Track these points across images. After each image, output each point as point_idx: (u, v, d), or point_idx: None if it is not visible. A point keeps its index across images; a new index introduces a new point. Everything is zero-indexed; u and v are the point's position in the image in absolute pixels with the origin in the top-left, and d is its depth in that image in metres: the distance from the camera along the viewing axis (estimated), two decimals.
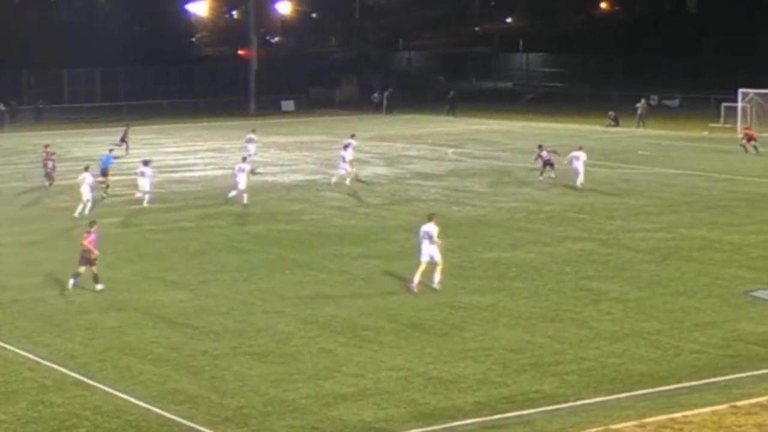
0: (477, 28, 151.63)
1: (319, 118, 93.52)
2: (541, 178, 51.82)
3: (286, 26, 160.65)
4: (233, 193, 45.62)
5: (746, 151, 62.30)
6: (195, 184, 52.48)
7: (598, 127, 79.87)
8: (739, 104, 75.18)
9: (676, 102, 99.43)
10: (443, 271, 30.57)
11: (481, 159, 62.03)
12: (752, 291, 30.45)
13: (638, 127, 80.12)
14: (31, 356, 24.89)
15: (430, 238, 30.30)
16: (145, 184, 46.06)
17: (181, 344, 25.76)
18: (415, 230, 36.47)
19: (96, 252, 30.64)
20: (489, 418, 20.93)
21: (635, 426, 20.19)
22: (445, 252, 30.82)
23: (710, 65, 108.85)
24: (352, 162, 52.05)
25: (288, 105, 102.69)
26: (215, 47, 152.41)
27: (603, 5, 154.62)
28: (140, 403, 21.79)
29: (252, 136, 60.09)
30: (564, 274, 32.76)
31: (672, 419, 20.46)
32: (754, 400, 21.51)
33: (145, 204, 45.47)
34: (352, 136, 57.20)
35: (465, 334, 26.44)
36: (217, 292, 30.84)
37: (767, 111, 73.74)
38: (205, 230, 40.43)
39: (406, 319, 27.74)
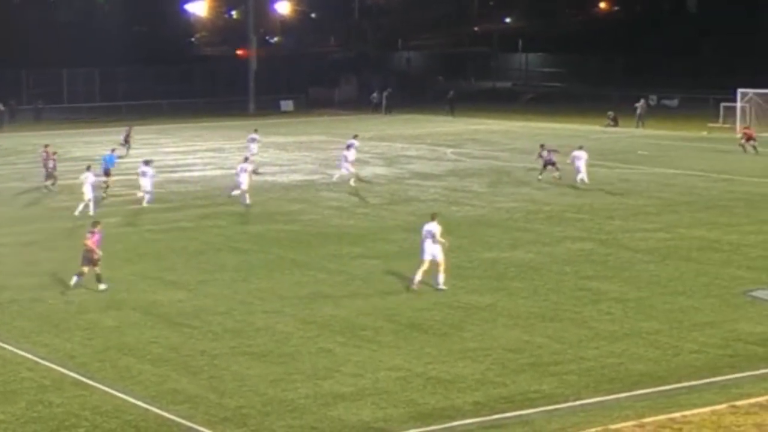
0: (476, 28, 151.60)
1: (318, 118, 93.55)
2: (540, 177, 51.83)
3: (285, 26, 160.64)
4: (236, 192, 45.63)
5: (744, 150, 62.31)
6: (194, 184, 52.48)
7: (597, 127, 79.88)
8: (738, 104, 75.18)
9: (675, 102, 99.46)
10: (446, 271, 30.57)
11: (480, 159, 62.03)
12: (751, 291, 30.45)
13: (637, 127, 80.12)
14: (29, 356, 24.88)
15: (433, 237, 30.31)
16: (146, 183, 46.11)
17: (180, 344, 25.75)
18: (416, 230, 36.52)
19: (100, 252, 30.63)
20: (488, 418, 20.92)
21: (634, 426, 20.18)
22: (446, 251, 30.79)
23: (710, 65, 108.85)
24: (352, 162, 51.97)
25: (287, 105, 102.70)
26: (214, 47, 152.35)
27: (602, 5, 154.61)
28: (139, 402, 21.78)
29: (254, 135, 60.09)
30: (563, 274, 32.76)
31: (671, 419, 20.46)
32: (753, 400, 21.51)
33: (144, 204, 45.47)
34: (355, 137, 57.20)
35: (464, 334, 26.43)
36: (216, 291, 30.84)
37: (766, 111, 73.75)
38: (204, 230, 40.43)
39: (405, 319, 27.74)
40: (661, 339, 25.93)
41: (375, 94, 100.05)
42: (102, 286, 30.41)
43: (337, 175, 51.58)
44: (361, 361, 24.37)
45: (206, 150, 68.16)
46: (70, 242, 37.66)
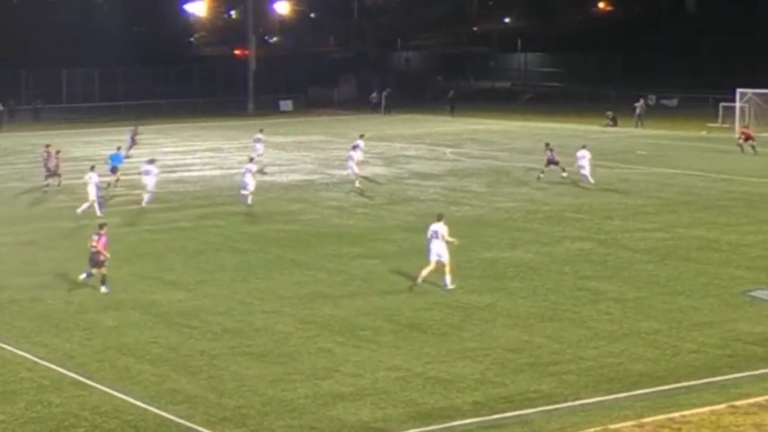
0: (475, 28, 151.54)
1: (318, 118, 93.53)
2: (541, 176, 51.94)
3: (284, 26, 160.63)
4: (245, 192, 45.58)
5: (743, 150, 62.29)
6: (193, 184, 52.49)
7: (596, 127, 79.89)
8: (737, 104, 75.16)
9: (674, 102, 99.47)
10: (452, 271, 30.60)
11: (480, 159, 62.04)
12: (750, 291, 30.46)
13: (636, 126, 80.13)
14: (29, 356, 24.88)
15: (439, 237, 30.33)
16: (149, 182, 46.17)
17: (180, 344, 25.76)
18: (415, 230, 36.64)
19: (107, 255, 30.62)
20: (487, 417, 20.93)
21: (634, 426, 20.19)
22: (451, 251, 30.80)
23: (709, 65, 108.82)
24: (358, 163, 51.87)
25: (286, 105, 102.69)
26: (213, 47, 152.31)
27: (601, 5, 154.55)
28: (138, 403, 21.79)
29: (260, 135, 60.12)
30: (562, 273, 32.76)
31: (670, 419, 20.47)
32: (752, 400, 21.51)
33: (144, 204, 45.49)
34: (361, 137, 57.22)
35: (463, 334, 26.44)
36: (215, 291, 30.84)
37: (765, 111, 73.72)
38: (204, 230, 40.43)
39: (405, 319, 27.74)
40: (660, 339, 25.94)
41: (374, 94, 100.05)
42: (104, 289, 30.37)
43: (349, 174, 51.32)
44: (360, 361, 24.37)
45: (205, 150, 68.15)
46: (70, 242, 37.74)
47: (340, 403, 21.73)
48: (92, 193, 42.89)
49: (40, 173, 51.89)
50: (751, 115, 73.85)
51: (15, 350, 25.33)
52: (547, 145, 53.40)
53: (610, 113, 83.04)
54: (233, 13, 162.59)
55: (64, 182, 50.10)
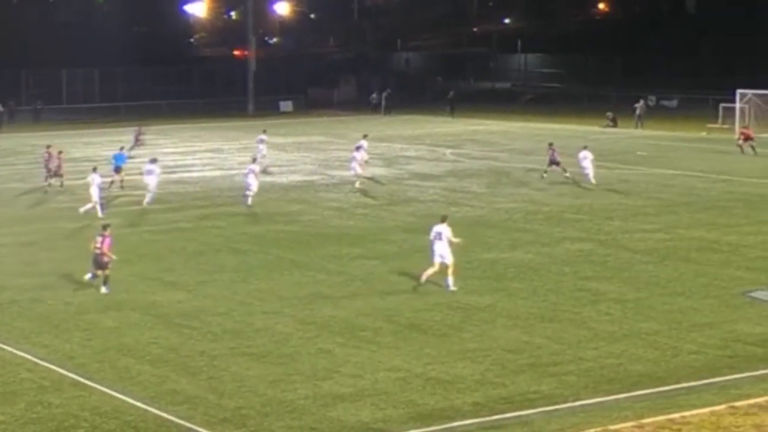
0: (475, 29, 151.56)
1: (318, 119, 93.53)
2: (544, 176, 52.03)
3: (284, 27, 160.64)
4: (249, 193, 45.59)
5: (742, 151, 62.30)
6: (193, 185, 52.49)
7: (596, 128, 79.88)
8: (737, 105, 75.15)
9: (674, 103, 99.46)
10: (454, 272, 30.63)
11: (479, 160, 62.04)
12: (750, 291, 30.46)
13: (637, 127, 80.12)
14: (29, 357, 24.88)
15: (442, 238, 30.36)
16: (151, 182, 46.22)
17: (180, 345, 25.76)
18: (415, 230, 36.64)
19: (113, 256, 30.62)
20: (487, 418, 20.93)
21: (633, 426, 20.20)
22: (454, 252, 30.81)
23: (709, 66, 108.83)
24: (361, 163, 51.88)
25: (286, 105, 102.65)
26: (213, 48, 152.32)
27: (601, 6, 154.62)
28: (138, 403, 21.79)
29: (263, 137, 60.06)
30: (562, 274, 32.77)
31: (670, 420, 20.47)
32: (752, 401, 21.52)
33: (144, 203, 45.54)
34: (365, 137, 57.26)
35: (463, 335, 26.44)
36: (215, 292, 30.85)
37: (765, 112, 73.71)
38: (204, 231, 40.43)
39: (405, 320, 27.75)
40: (660, 340, 25.95)
41: (374, 95, 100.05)
42: (104, 290, 30.36)
43: (351, 175, 51.32)
44: (360, 361, 24.38)
45: (205, 151, 68.15)
46: (71, 243, 37.76)
47: (340, 404, 21.73)
48: (94, 194, 42.93)
49: (41, 174, 51.90)
50: (751, 116, 73.83)
51: (15, 351, 25.34)
52: (551, 144, 53.52)
53: (610, 114, 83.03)
54: (233, 13, 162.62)
55: (66, 183, 50.11)
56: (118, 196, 47.81)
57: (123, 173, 49.55)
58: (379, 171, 56.69)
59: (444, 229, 30.55)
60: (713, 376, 23.26)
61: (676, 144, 69.84)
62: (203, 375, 23.57)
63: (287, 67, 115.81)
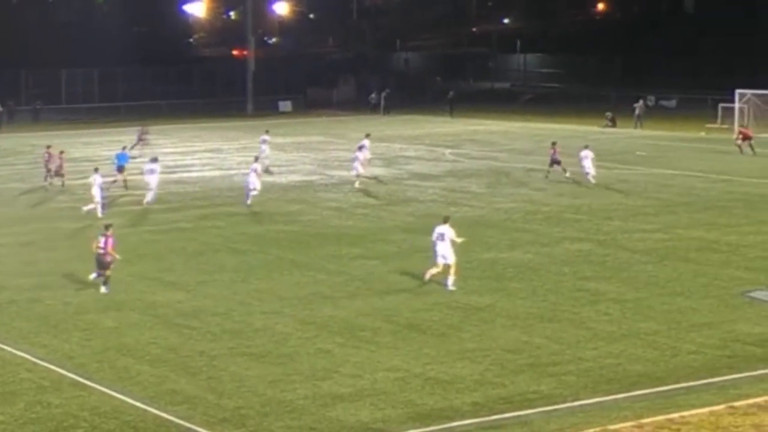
0: (474, 29, 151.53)
1: (317, 119, 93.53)
2: (548, 175, 52.09)
3: (283, 27, 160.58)
4: (254, 193, 45.62)
5: (741, 151, 62.32)
6: (193, 185, 52.49)
7: (595, 128, 79.87)
8: (737, 105, 75.16)
9: (673, 103, 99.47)
10: (456, 273, 30.64)
11: (479, 160, 62.04)
12: (749, 292, 30.47)
13: (636, 127, 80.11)
14: (28, 357, 24.89)
15: (445, 239, 30.40)
16: (152, 181, 46.26)
17: (179, 345, 25.77)
18: (415, 230, 36.65)
19: (117, 256, 30.66)
20: (486, 418, 20.94)
21: (633, 426, 20.21)
22: (456, 252, 30.82)
23: (708, 66, 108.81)
24: (364, 163, 51.92)
25: (285, 105, 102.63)
26: (213, 48, 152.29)
27: (600, 6, 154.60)
28: (138, 403, 21.80)
29: (266, 137, 60.10)
30: (562, 274, 32.78)
31: (669, 420, 20.49)
32: (751, 401, 21.53)
33: (145, 202, 45.62)
34: (367, 136, 57.29)
35: (462, 335, 26.45)
36: (215, 292, 30.85)
37: (764, 112, 73.70)
38: (203, 231, 40.44)
39: (404, 320, 27.76)
40: (660, 340, 25.96)
41: (373, 95, 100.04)
42: (104, 290, 30.39)
43: (357, 181, 51.31)
44: (359, 361, 24.39)
45: (205, 151, 68.14)
46: (70, 242, 37.80)
47: (339, 404, 21.74)
48: (97, 195, 42.98)
49: (40, 174, 51.91)
50: (750, 116, 73.82)
51: (14, 351, 25.35)
52: (553, 144, 53.60)
53: (609, 114, 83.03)
54: (232, 13, 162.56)
55: (65, 183, 50.15)
56: (120, 196, 47.86)
57: (125, 173, 49.60)
58: (378, 171, 56.68)
59: (446, 229, 30.62)
60: (712, 376, 23.27)
61: (675, 144, 69.84)
62: (203, 375, 23.58)
63: (286, 67, 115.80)
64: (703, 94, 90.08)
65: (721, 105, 79.74)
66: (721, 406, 21.20)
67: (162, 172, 48.93)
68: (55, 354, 25.10)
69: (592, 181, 50.21)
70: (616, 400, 21.90)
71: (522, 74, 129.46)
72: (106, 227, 31.13)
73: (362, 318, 27.99)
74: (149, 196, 45.98)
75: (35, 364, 24.43)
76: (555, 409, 21.42)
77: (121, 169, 49.50)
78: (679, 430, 20.00)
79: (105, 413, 21.31)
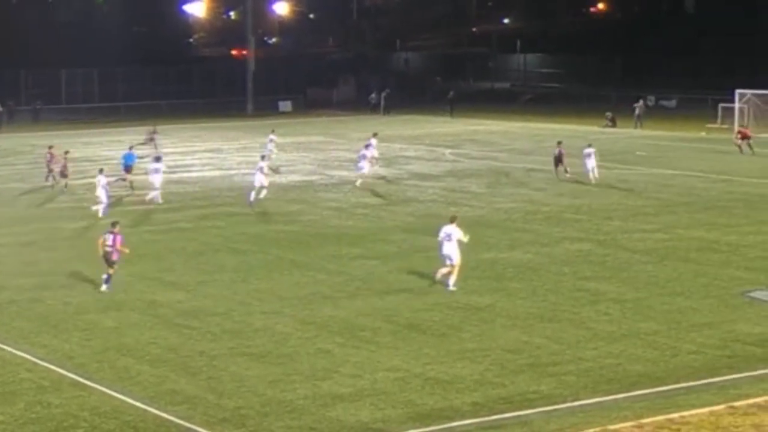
0: (474, 29, 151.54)
1: (317, 119, 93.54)
2: (559, 175, 52.09)
3: (283, 27, 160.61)
4: (265, 192, 45.67)
5: (741, 151, 62.34)
6: (193, 185, 52.50)
7: (595, 128, 79.84)
8: (737, 105, 75.17)
9: (673, 103, 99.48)
10: (459, 273, 30.66)
11: (479, 160, 62.05)
12: (749, 292, 30.47)
13: (636, 127, 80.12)
14: (28, 357, 24.90)
15: (451, 239, 30.41)
16: (156, 180, 46.38)
17: (179, 345, 25.77)
18: (414, 230, 36.66)
19: (126, 250, 30.78)
20: (486, 418, 20.94)
21: (633, 426, 20.21)
22: (462, 251, 30.84)
23: (708, 66, 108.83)
24: (371, 161, 52.03)
25: (285, 105, 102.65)
26: (213, 48, 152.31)
27: (600, 6, 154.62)
28: (138, 403, 21.80)
29: (272, 137, 60.34)
30: (562, 274, 32.78)
31: (669, 420, 20.49)
32: (751, 401, 21.53)
33: (146, 199, 45.81)
34: (375, 135, 57.34)
35: (462, 335, 26.46)
36: (215, 292, 30.86)
37: (764, 112, 73.71)
38: (203, 231, 40.45)
39: (404, 320, 27.76)
40: (660, 340, 25.96)
41: (373, 95, 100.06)
42: (104, 288, 30.41)
43: (363, 173, 51.44)
44: (359, 361, 24.39)
45: (205, 151, 68.16)
46: (70, 242, 37.81)
47: (339, 404, 21.74)
48: (102, 195, 43.04)
49: (41, 174, 51.92)
50: (750, 116, 73.84)
51: (14, 351, 25.35)
52: (559, 143, 53.68)
53: (609, 114, 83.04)
54: (232, 13, 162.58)
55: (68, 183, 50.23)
56: (125, 196, 47.89)
57: (132, 173, 49.72)
58: (378, 171, 56.68)
59: (453, 230, 30.63)
60: (712, 376, 23.27)
61: (675, 144, 69.85)
62: (203, 375, 23.59)
63: (286, 67, 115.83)
64: (704, 94, 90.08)
65: (721, 105, 79.76)
66: (721, 406, 21.20)
67: (163, 172, 48.92)
68: (55, 354, 25.11)
69: (593, 180, 50.23)
70: (616, 400, 21.90)
71: (522, 74, 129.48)
72: (113, 224, 31.14)
73: (362, 318, 27.99)
74: (153, 194, 46.09)
75: (35, 364, 24.44)
76: (555, 409, 21.41)
77: (128, 169, 49.70)
78: (679, 430, 20.00)
79: (105, 413, 21.32)
